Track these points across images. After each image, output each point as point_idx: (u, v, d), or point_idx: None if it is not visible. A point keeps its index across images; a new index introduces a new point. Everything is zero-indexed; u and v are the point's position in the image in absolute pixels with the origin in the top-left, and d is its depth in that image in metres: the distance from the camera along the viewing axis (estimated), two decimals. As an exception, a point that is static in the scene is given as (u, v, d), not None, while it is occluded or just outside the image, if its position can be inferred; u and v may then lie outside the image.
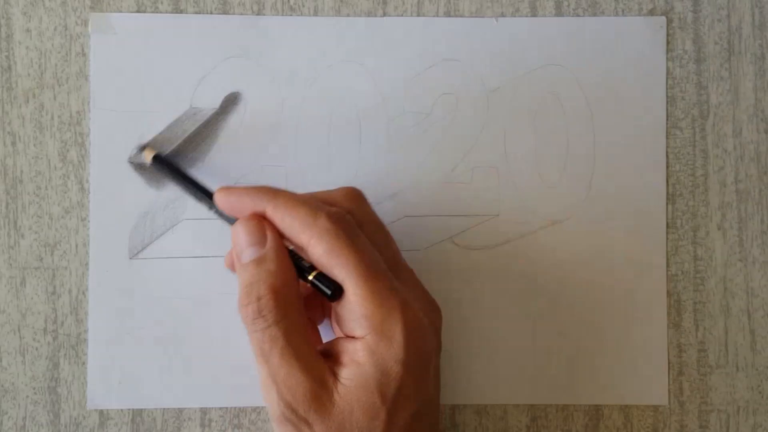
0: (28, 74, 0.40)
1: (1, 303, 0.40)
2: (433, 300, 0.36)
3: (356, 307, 0.32)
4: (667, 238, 0.41)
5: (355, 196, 0.36)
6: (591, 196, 0.41)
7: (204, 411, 0.40)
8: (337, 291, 0.33)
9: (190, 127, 0.41)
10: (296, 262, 0.34)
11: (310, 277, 0.33)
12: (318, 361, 0.33)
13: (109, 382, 0.40)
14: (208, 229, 0.40)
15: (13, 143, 0.40)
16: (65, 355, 0.40)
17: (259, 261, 0.33)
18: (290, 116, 0.41)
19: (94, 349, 0.40)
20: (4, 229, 0.40)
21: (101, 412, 0.40)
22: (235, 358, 0.40)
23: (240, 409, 0.40)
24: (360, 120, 0.41)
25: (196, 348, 0.40)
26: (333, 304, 0.33)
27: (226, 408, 0.40)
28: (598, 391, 0.41)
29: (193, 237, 0.40)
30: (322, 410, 0.32)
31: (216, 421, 0.40)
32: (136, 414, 0.40)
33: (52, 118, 0.40)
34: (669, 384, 0.41)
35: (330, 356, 0.33)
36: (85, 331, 0.40)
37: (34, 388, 0.40)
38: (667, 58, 0.41)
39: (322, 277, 0.33)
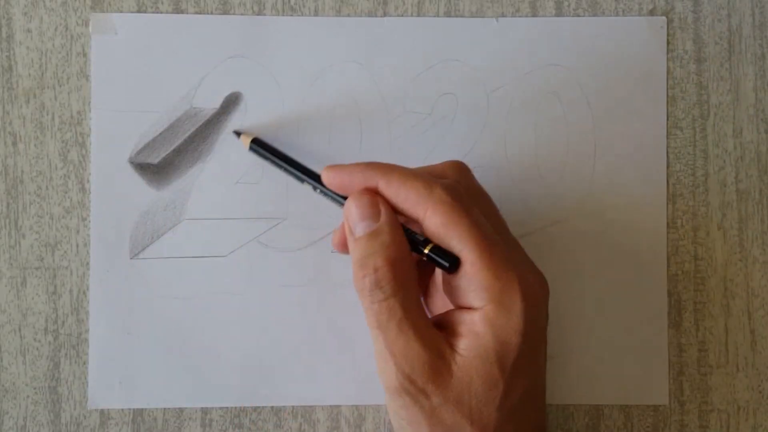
0: (29, 74, 0.40)
1: (2, 303, 0.40)
2: (541, 272, 0.36)
3: (474, 279, 0.32)
4: (668, 238, 0.41)
5: (461, 168, 0.36)
6: (591, 196, 0.41)
7: (205, 411, 0.40)
8: (455, 263, 0.32)
9: (191, 127, 0.41)
10: (410, 237, 0.34)
11: (426, 250, 0.33)
12: (435, 334, 0.33)
13: (109, 381, 0.40)
14: (208, 229, 0.40)
15: (14, 143, 0.40)
16: (66, 354, 0.40)
17: (373, 234, 0.33)
18: (291, 116, 0.41)
19: (94, 348, 0.40)
20: (5, 229, 0.40)
21: (102, 411, 0.40)
22: (236, 358, 0.40)
23: (241, 408, 0.40)
24: (361, 120, 0.41)
25: (197, 348, 0.40)
26: (448, 277, 0.33)
27: (227, 408, 0.40)
28: (598, 390, 0.41)
29: (194, 237, 0.40)
30: (441, 381, 0.32)
31: (217, 421, 0.40)
32: (137, 414, 0.40)
33: (53, 118, 0.40)
34: (669, 384, 0.41)
35: (445, 328, 0.33)
36: (86, 331, 0.40)
37: (34, 388, 0.40)
38: (667, 58, 0.42)
39: (439, 249, 0.33)
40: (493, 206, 0.36)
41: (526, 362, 0.32)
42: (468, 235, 0.32)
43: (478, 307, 0.32)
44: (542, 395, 0.35)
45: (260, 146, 0.39)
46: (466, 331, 0.32)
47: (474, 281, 0.32)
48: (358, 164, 0.35)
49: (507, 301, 0.32)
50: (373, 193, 0.34)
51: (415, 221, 0.34)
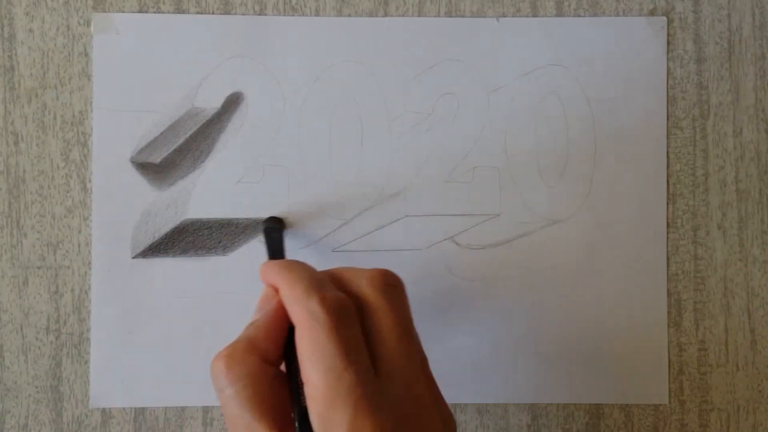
0: (31, 74, 0.41)
1: (3, 302, 0.40)
2: (448, 413, 0.32)
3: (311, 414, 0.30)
4: (668, 238, 0.41)
5: (387, 279, 0.33)
6: (591, 196, 0.41)
7: (206, 409, 0.40)
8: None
9: (192, 127, 0.41)
10: (296, 377, 0.32)
11: (293, 413, 0.31)
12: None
13: (111, 380, 0.40)
14: (209, 228, 0.40)
15: (16, 143, 0.40)
16: (68, 353, 0.40)
17: (248, 326, 0.32)
18: (292, 116, 0.41)
19: (96, 347, 0.40)
20: (6, 229, 0.40)
21: (104, 410, 0.40)
22: (237, 357, 0.40)
23: (242, 407, 0.40)
24: (361, 120, 0.41)
25: (199, 347, 0.40)
26: None
27: (228, 407, 0.40)
28: (598, 390, 0.41)
29: (195, 236, 0.40)
30: None
31: (218, 420, 0.40)
32: (138, 412, 0.40)
33: (55, 117, 0.41)
34: (669, 383, 0.41)
35: None
36: (88, 330, 0.40)
37: (36, 387, 0.40)
38: (667, 58, 0.42)
39: (302, 419, 0.30)
40: (409, 333, 0.32)
41: None
42: (321, 363, 0.30)
43: None
44: None
45: (272, 229, 0.39)
46: None
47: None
48: (278, 262, 0.34)
49: None
50: (273, 290, 0.33)
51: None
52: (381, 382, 0.31)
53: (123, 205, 0.40)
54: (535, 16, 0.41)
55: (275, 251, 0.38)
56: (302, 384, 0.30)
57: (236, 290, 0.40)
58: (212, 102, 0.41)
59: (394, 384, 0.31)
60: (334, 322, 0.30)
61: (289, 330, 0.32)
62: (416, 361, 0.32)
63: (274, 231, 0.39)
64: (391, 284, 0.33)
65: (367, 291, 0.32)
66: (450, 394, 0.40)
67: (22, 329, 0.40)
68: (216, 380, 0.31)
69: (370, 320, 0.32)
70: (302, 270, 0.33)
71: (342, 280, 0.33)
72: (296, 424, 0.30)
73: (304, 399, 0.30)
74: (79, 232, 0.40)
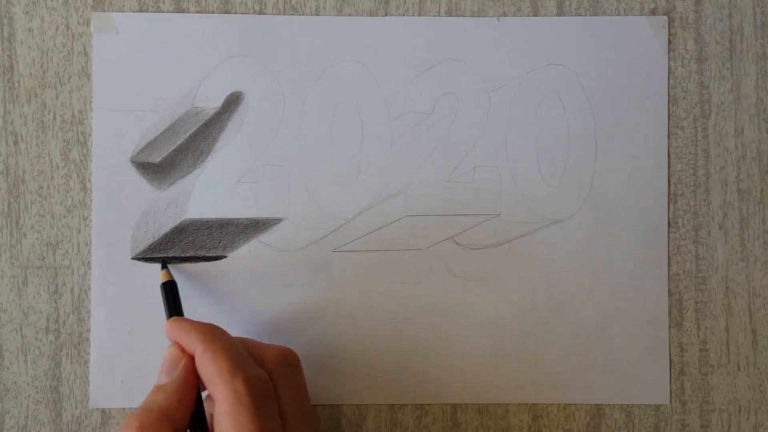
0: (30, 74, 0.40)
1: (3, 302, 0.40)
2: None
3: None
4: (669, 238, 0.41)
5: (287, 359, 0.36)
6: (592, 196, 0.41)
7: (206, 410, 0.40)
8: None
9: (192, 127, 0.41)
10: (200, 409, 0.35)
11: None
12: None
13: (111, 381, 0.40)
14: (209, 228, 0.40)
15: (16, 143, 0.40)
16: (67, 354, 0.40)
17: (157, 389, 0.34)
18: (292, 116, 0.41)
19: (96, 348, 0.40)
20: (6, 228, 0.40)
21: (103, 411, 0.40)
22: (237, 357, 0.40)
23: (241, 408, 0.40)
24: (362, 119, 0.41)
25: (198, 347, 0.40)
26: None
27: (228, 407, 0.40)
28: (599, 390, 0.41)
29: (195, 236, 0.40)
30: None
31: (217, 420, 0.40)
32: (138, 413, 0.40)
33: (55, 117, 0.40)
34: (670, 383, 0.41)
35: None
36: (87, 330, 0.40)
37: (36, 387, 0.40)
38: (668, 57, 0.41)
39: None
40: (302, 409, 0.35)
41: None
42: None
43: None
44: None
45: (168, 289, 0.38)
46: None
47: None
48: (192, 326, 0.35)
49: None
50: (181, 351, 0.35)
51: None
52: None
53: (123, 205, 0.40)
54: (535, 15, 0.41)
55: (177, 306, 0.38)
56: None
57: (236, 290, 0.40)
58: (212, 101, 0.41)
59: None
60: (256, 405, 0.33)
61: (197, 394, 0.35)
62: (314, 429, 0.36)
63: (172, 285, 0.38)
64: (291, 364, 0.36)
65: (272, 370, 0.35)
66: (450, 395, 0.40)
67: (21, 329, 0.40)
68: None
69: (276, 396, 0.34)
70: (223, 341, 0.34)
71: (251, 352, 0.35)
72: None
73: None
74: (79, 232, 0.40)
